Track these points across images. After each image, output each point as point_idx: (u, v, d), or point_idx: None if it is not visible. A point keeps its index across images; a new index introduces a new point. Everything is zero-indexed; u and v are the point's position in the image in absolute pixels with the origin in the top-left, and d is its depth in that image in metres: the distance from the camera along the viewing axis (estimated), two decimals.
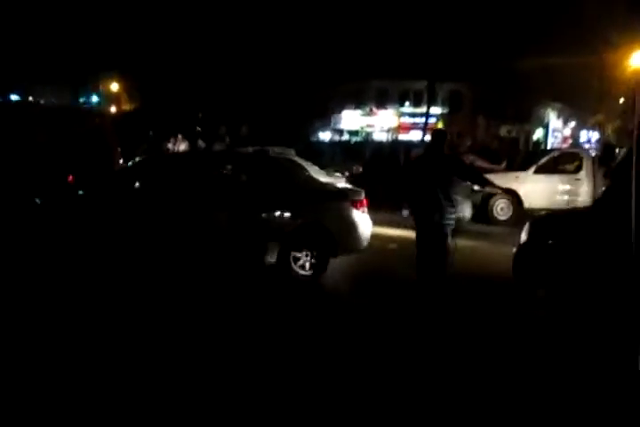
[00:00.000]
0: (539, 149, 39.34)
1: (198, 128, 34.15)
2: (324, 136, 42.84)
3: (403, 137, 41.03)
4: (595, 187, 11.80)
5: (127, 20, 28.96)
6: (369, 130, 44.24)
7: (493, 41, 33.16)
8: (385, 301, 6.37)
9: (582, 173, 12.41)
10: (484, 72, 35.41)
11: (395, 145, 25.55)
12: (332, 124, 44.72)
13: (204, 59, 31.28)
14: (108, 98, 33.52)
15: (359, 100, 44.32)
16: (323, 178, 9.12)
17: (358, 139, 40.68)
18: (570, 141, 42.63)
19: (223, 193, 6.91)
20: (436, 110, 39.96)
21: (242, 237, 6.76)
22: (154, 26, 29.49)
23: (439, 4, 30.44)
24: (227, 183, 7.19)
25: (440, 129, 10.21)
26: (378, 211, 8.88)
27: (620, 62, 26.66)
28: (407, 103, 43.12)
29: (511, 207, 12.46)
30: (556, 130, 44.89)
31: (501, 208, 12.57)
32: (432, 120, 39.95)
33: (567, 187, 12.40)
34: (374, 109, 44.12)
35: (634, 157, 4.15)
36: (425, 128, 36.80)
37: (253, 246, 6.83)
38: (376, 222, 7.81)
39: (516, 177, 12.53)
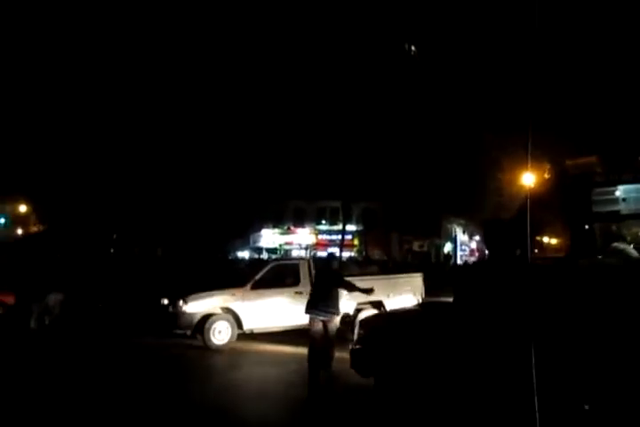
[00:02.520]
0: (449, 261, 41.35)
1: (112, 249, 33.26)
2: (243, 254, 42.78)
3: (320, 253, 41.81)
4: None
5: (39, 140, 28.85)
6: (287, 247, 44.83)
7: (404, 161, 35.80)
8: None
9: (300, 286, 11.08)
10: (393, 191, 37.68)
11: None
12: (250, 243, 44.96)
13: (119, 180, 31.22)
14: (16, 220, 32.20)
15: (277, 219, 45.37)
16: None
17: (277, 256, 40.92)
18: (477, 254, 45.08)
19: None
20: (351, 228, 41.43)
21: None
22: (64, 148, 29.46)
23: (349, 129, 32.94)
24: None
25: (331, 253, 12.70)
26: None
27: (514, 181, 29.46)
28: (324, 221, 44.55)
29: (230, 329, 10.57)
30: (463, 243, 47.58)
31: (219, 331, 10.54)
32: (348, 237, 41.29)
33: (288, 302, 10.90)
34: (292, 228, 45.14)
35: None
36: (342, 245, 37.84)
37: None
38: None
39: (233, 294, 10.78)
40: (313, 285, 8.69)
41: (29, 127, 27.84)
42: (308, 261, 12.06)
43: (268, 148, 36.14)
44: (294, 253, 43.40)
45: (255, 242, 45.43)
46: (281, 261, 13.36)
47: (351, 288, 8.25)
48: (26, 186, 28.77)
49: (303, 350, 7.94)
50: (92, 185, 30.05)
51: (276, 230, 45.46)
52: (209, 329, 10.35)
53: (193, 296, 10.57)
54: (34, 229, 32.80)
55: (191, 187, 34.57)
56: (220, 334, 10.51)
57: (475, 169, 35.13)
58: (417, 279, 12.73)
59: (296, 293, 10.92)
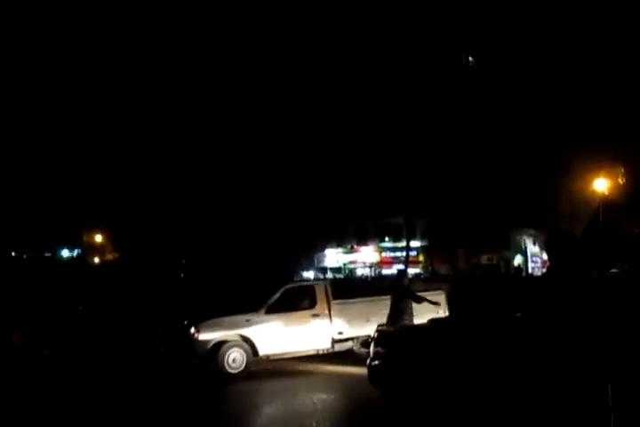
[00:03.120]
0: (520, 275, 39.82)
1: (182, 274, 34.16)
2: (308, 274, 42.94)
3: (385, 271, 41.33)
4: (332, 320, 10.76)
5: (111, 176, 30.26)
6: (352, 266, 44.64)
7: (466, 174, 35.13)
8: None
9: (317, 308, 10.81)
10: (458, 205, 36.97)
11: None
12: (315, 263, 45.10)
13: (186, 206, 32.20)
14: (91, 249, 33.73)
15: (340, 238, 45.37)
16: None
17: (341, 275, 40.82)
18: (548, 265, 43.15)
19: None
20: (415, 243, 40.82)
21: None
22: (135, 183, 30.71)
23: (409, 143, 32.69)
24: None
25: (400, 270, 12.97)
26: None
27: (585, 187, 28.28)
28: (387, 238, 44.17)
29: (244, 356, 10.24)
30: (534, 255, 45.82)
31: (233, 359, 10.20)
32: (413, 253, 40.66)
33: (305, 325, 10.61)
34: (355, 246, 44.99)
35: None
36: (406, 261, 37.27)
37: None
38: None
39: (247, 320, 10.41)
40: (391, 301, 9.57)
41: (99, 163, 29.32)
42: (325, 282, 12.15)
43: (327, 168, 36.39)
44: (359, 272, 43.19)
45: (319, 262, 45.54)
46: (295, 284, 12.82)
47: (420, 300, 9.50)
48: (102, 217, 30.20)
49: (320, 374, 9.11)
50: (163, 213, 31.13)
51: (340, 250, 45.45)
52: (223, 356, 10.02)
53: (206, 323, 10.35)
54: (109, 257, 34.21)
55: (256, 209, 35.18)
56: (235, 361, 10.16)
57: (543, 178, 33.95)
58: (438, 297, 11.42)
59: (313, 315, 10.74)
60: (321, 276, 41.45)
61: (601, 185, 25.74)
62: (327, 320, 10.82)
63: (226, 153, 33.89)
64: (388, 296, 10.86)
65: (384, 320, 9.74)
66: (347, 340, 11.02)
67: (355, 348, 11.10)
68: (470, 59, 26.88)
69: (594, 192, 25.95)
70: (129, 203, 30.24)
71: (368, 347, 9.58)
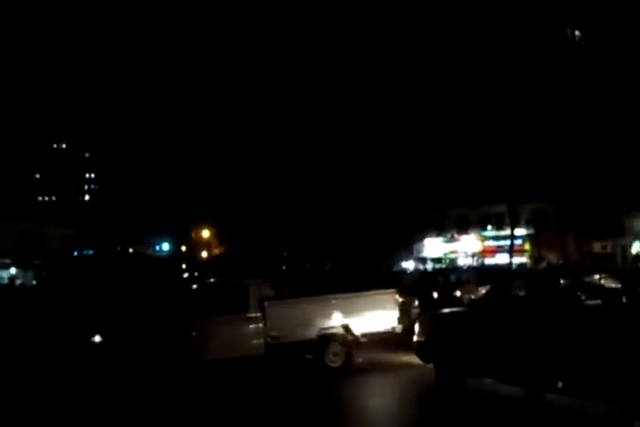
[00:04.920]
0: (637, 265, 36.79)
1: (284, 266, 35.10)
2: (408, 265, 42.54)
3: (489, 261, 39.98)
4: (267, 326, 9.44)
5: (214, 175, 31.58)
6: (452, 256, 43.64)
7: (572, 154, 33.13)
8: None
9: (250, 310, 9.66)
10: (565, 188, 34.92)
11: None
12: (414, 253, 44.57)
13: (287, 202, 32.95)
14: (199, 244, 35.50)
15: (439, 228, 44.47)
16: None
17: (442, 266, 40.09)
18: None
19: None
20: (520, 231, 39.09)
21: None
22: (238, 180, 31.83)
23: (509, 128, 31.28)
24: None
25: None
26: None
27: None
28: (489, 227, 42.70)
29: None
30: None
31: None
32: (518, 242, 38.97)
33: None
34: (456, 235, 43.92)
35: None
36: (511, 250, 35.83)
37: None
38: None
39: None
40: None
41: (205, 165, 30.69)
42: (259, 280, 10.36)
43: (425, 155, 35.72)
44: (460, 262, 42.11)
45: (419, 252, 44.93)
46: (219, 282, 11.49)
47: None
48: (209, 213, 31.72)
49: None
50: (264, 208, 32.06)
51: (440, 239, 44.53)
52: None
53: None
54: (216, 251, 35.83)
55: (354, 199, 35.31)
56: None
57: None
58: (387, 297, 10.69)
59: (244, 318, 9.56)
60: (420, 266, 40.94)
61: None
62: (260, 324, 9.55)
63: (322, 144, 34.24)
64: (348, 294, 10.23)
65: (331, 322, 9.77)
66: (289, 345, 9.60)
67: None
68: (577, 33, 25.02)
69: None
70: (234, 200, 31.49)
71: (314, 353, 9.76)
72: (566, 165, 34.32)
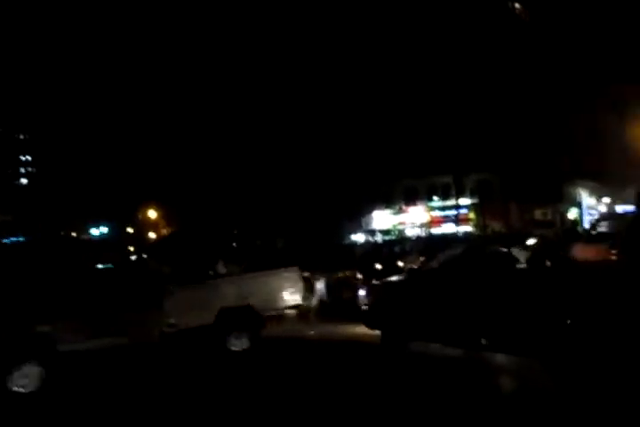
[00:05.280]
0: (576, 229, 38.59)
1: (234, 244, 34.81)
2: (357, 237, 42.98)
3: (436, 231, 40.93)
4: None
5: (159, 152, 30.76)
6: (401, 227, 44.38)
7: (513, 126, 33.96)
8: None
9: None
10: (507, 159, 35.89)
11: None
12: (363, 226, 45.07)
13: (235, 178, 32.51)
14: (146, 225, 34.72)
15: (388, 200, 45.03)
16: None
17: (391, 237, 40.69)
18: None
19: None
20: (465, 201, 40.14)
21: None
22: (184, 156, 31.15)
23: (454, 100, 31.72)
24: None
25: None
26: None
27: None
28: (436, 198, 43.57)
29: None
30: (590, 207, 44.30)
31: None
32: (463, 211, 40.06)
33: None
34: (404, 207, 44.61)
35: None
36: (457, 220, 36.80)
37: None
38: None
39: None
40: None
41: (149, 142, 29.81)
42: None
43: (372, 128, 35.84)
44: (408, 233, 42.89)
45: (368, 224, 45.44)
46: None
47: None
48: (155, 194, 30.97)
49: None
50: (212, 185, 31.56)
51: (388, 211, 45.14)
52: None
53: None
54: (164, 231, 35.15)
55: (302, 173, 35.20)
56: None
57: (597, 125, 32.44)
58: (290, 274, 10.64)
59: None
60: (370, 239, 41.50)
61: None
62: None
63: (268, 119, 33.82)
64: (249, 274, 9.93)
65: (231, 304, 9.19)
66: (189, 331, 9.11)
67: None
68: (517, 6, 25.48)
69: None
70: (180, 178, 30.84)
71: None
72: (508, 135, 35.17)
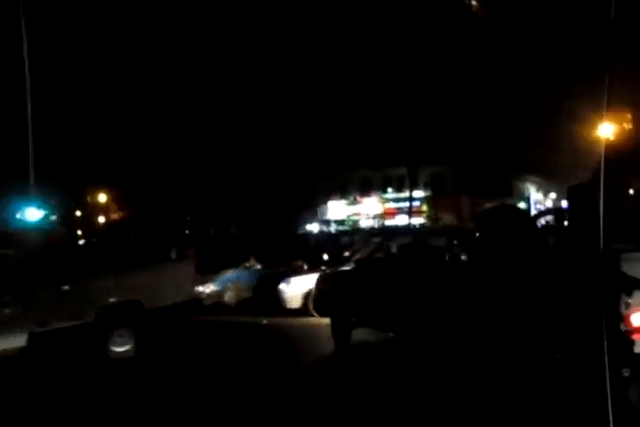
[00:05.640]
0: None
1: (187, 231, 34.38)
2: (312, 227, 43.12)
3: (389, 222, 41.52)
4: None
5: (113, 133, 29.89)
6: (355, 218, 44.78)
7: (467, 122, 34.66)
8: None
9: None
10: (461, 153, 36.66)
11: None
12: (318, 216, 45.22)
13: (189, 164, 32.00)
14: (96, 209, 33.77)
15: (344, 191, 45.30)
16: None
17: (345, 228, 41.00)
18: None
19: None
20: (419, 194, 40.81)
21: None
22: (139, 139, 30.39)
23: (411, 93, 32.10)
24: None
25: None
26: None
27: (589, 134, 27.91)
28: (390, 189, 44.11)
29: None
30: (537, 202, 45.91)
31: None
32: (416, 203, 40.72)
33: None
34: (359, 198, 44.98)
35: None
36: (410, 212, 37.40)
37: None
38: None
39: None
40: None
41: (105, 123, 28.89)
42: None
43: (328, 118, 35.87)
44: (362, 224, 43.35)
45: (323, 214, 45.61)
46: None
47: None
48: (106, 177, 30.09)
49: None
50: (165, 172, 30.97)
51: (343, 201, 45.42)
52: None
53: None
54: (114, 216, 34.33)
55: (258, 162, 34.95)
56: None
57: (547, 123, 33.46)
58: (180, 266, 10.33)
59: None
60: (325, 229, 41.71)
61: (606, 131, 25.32)
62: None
63: (225, 104, 33.40)
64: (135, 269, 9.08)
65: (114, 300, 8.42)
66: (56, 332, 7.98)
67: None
68: (473, 2, 25.93)
69: (598, 138, 25.59)
70: (133, 160, 30.02)
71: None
72: (462, 130, 35.87)
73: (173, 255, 10.73)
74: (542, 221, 12.96)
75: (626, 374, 4.25)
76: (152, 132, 30.16)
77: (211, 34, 32.69)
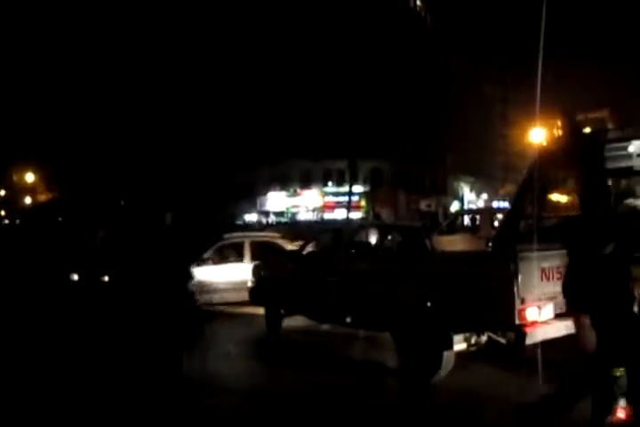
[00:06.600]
0: (437, 219, 41.05)
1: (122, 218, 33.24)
2: (251, 218, 42.81)
3: (328, 216, 41.76)
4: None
5: (43, 109, 28.54)
6: (294, 210, 44.76)
7: (408, 119, 35.30)
8: None
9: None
10: (401, 149, 37.29)
11: None
12: (258, 206, 44.93)
13: (125, 146, 30.99)
14: (22, 189, 32.07)
15: (284, 182, 45.13)
16: None
17: (284, 220, 40.97)
18: None
19: None
20: (358, 188, 41.24)
21: None
22: (70, 114, 29.16)
23: (355, 87, 32.37)
24: None
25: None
26: None
27: (521, 138, 29.07)
28: (330, 183, 44.32)
29: None
30: (470, 202, 47.39)
31: None
32: (355, 198, 41.14)
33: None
34: (299, 190, 44.96)
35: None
36: (349, 206, 37.73)
37: None
38: None
39: None
40: None
41: (39, 97, 27.51)
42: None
43: (270, 106, 35.62)
44: (301, 216, 43.40)
45: (262, 205, 45.35)
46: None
47: None
48: (34, 154, 28.58)
49: None
50: (99, 152, 29.86)
51: (283, 193, 45.28)
52: None
53: None
54: (42, 197, 32.78)
55: (196, 148, 34.29)
56: None
57: (483, 126, 34.59)
58: None
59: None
60: (263, 220, 41.50)
61: (537, 136, 26.39)
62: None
63: (170, 89, 32.57)
64: None
65: None
66: None
67: None
68: (418, 2, 26.38)
69: (529, 143, 26.67)
70: (64, 138, 28.71)
71: None
72: (403, 126, 36.48)
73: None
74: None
75: None
76: (88, 110, 29.00)
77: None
